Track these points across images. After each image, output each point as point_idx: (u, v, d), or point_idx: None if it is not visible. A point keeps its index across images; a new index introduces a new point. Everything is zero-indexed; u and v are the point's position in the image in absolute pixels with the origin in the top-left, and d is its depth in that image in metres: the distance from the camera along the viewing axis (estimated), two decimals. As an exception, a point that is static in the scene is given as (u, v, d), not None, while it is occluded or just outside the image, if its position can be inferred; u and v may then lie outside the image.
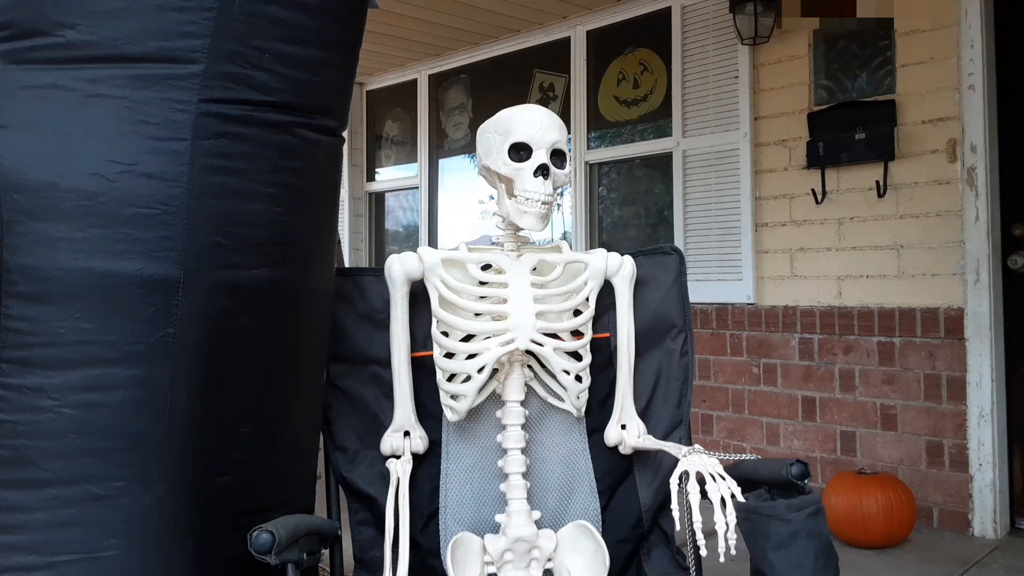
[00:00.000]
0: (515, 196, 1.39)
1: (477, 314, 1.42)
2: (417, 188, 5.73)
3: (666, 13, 4.30)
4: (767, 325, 3.90)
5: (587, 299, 1.48)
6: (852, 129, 3.58)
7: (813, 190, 3.72)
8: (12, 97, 1.19)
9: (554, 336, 1.42)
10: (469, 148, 5.51)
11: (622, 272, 1.52)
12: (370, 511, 1.50)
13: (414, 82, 5.72)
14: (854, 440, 3.62)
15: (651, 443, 1.46)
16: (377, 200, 6.21)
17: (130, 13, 1.19)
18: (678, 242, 4.17)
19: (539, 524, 1.40)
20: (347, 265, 5.27)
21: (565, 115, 4.85)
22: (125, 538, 1.21)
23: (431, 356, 1.47)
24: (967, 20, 3.32)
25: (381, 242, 6.20)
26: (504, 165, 1.40)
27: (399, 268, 1.45)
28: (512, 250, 1.47)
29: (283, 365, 1.36)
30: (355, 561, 1.52)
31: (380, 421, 1.50)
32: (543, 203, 1.38)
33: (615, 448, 1.51)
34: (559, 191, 1.45)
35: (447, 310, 1.42)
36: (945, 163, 3.39)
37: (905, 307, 3.49)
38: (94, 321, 1.18)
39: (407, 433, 1.45)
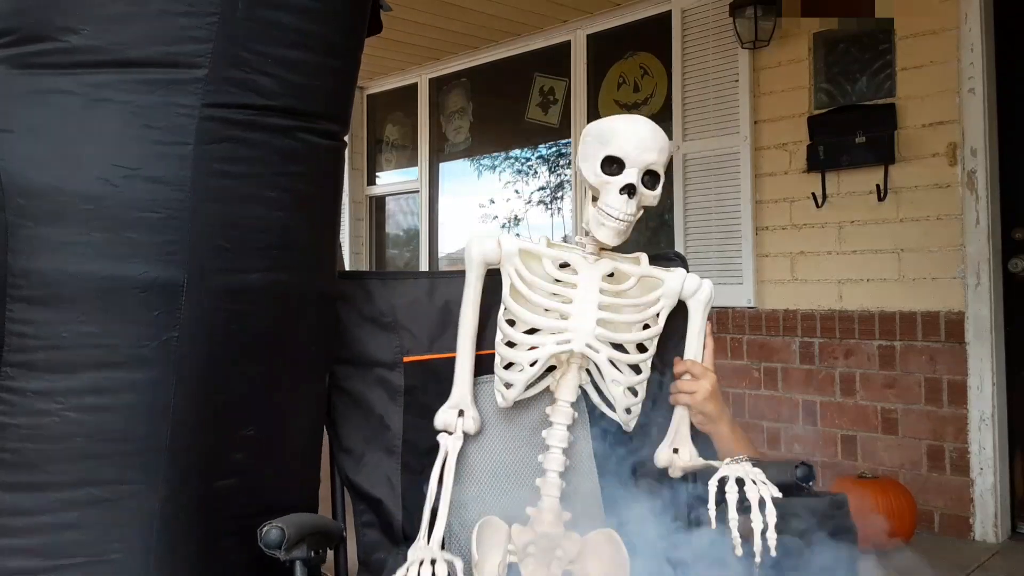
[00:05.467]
0: (598, 207, 1.38)
1: (547, 310, 1.41)
2: (417, 192, 5.74)
3: (666, 17, 4.31)
4: (768, 329, 3.90)
5: (657, 315, 1.46)
6: (852, 133, 3.59)
7: (813, 194, 3.73)
8: (17, 102, 1.20)
9: (618, 347, 1.40)
10: (470, 152, 5.52)
11: (698, 295, 1.48)
12: (375, 513, 1.50)
13: (414, 86, 5.74)
14: (855, 444, 3.62)
15: (700, 463, 1.44)
16: (377, 204, 6.22)
17: (134, 18, 1.19)
18: (678, 245, 4.18)
19: (567, 526, 1.39)
20: (347, 268, 5.27)
21: (565, 119, 4.86)
22: (129, 541, 1.21)
23: (442, 359, 1.47)
24: (967, 23, 3.33)
25: (382, 246, 6.21)
26: (594, 175, 1.39)
27: (478, 250, 1.43)
28: (591, 253, 1.44)
29: (286, 368, 1.36)
30: (359, 563, 1.52)
31: (385, 424, 1.50)
32: (622, 221, 1.36)
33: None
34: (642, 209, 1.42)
35: (516, 300, 1.42)
36: (945, 166, 3.39)
37: (906, 311, 3.49)
38: (98, 324, 1.18)
39: (461, 413, 1.45)
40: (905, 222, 3.50)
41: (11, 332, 1.18)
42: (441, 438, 1.43)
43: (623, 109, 4.57)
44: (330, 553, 1.41)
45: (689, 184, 4.20)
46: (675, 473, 1.46)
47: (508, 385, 1.41)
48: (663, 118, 4.35)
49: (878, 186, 3.53)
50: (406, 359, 1.51)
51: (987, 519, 3.27)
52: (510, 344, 1.42)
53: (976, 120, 3.31)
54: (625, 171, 1.36)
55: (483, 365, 1.47)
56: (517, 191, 5.24)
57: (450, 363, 1.46)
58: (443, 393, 1.46)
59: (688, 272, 1.51)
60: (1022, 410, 3.34)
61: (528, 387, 1.42)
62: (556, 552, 1.35)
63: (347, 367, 1.53)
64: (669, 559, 1.31)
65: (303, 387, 1.42)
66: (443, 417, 1.44)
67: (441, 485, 1.38)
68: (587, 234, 1.44)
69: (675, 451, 1.47)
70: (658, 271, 1.48)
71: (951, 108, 3.37)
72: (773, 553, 1.15)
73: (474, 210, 5.44)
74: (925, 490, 3.40)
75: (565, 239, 4.87)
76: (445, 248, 5.65)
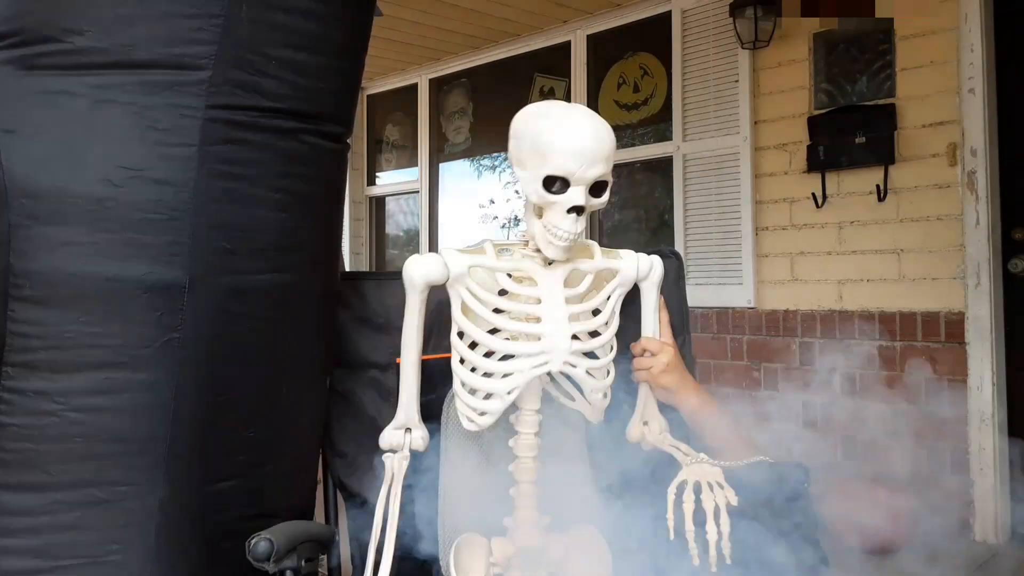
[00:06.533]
0: (543, 225, 1.28)
1: (505, 330, 1.33)
2: (417, 192, 5.74)
3: (666, 17, 4.31)
4: (768, 329, 3.90)
5: (613, 310, 1.40)
6: (852, 133, 3.59)
7: (813, 194, 3.73)
8: (21, 103, 1.20)
9: (588, 355, 1.35)
10: (470, 152, 5.52)
11: (652, 276, 1.46)
12: (369, 516, 1.49)
13: (415, 86, 5.73)
14: (855, 445, 3.62)
15: (669, 442, 1.43)
16: (377, 204, 6.21)
17: (139, 20, 1.19)
18: (678, 246, 4.18)
19: (547, 529, 1.38)
20: (347, 269, 5.27)
21: (565, 119, 4.85)
22: (128, 542, 1.21)
23: (435, 360, 1.45)
24: (967, 24, 3.33)
25: (382, 246, 6.21)
26: (536, 195, 1.27)
27: (420, 272, 1.31)
28: (538, 250, 1.35)
29: (288, 370, 1.36)
30: (353, 566, 1.52)
31: (378, 425, 1.48)
32: (571, 240, 1.28)
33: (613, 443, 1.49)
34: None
35: (472, 320, 1.32)
36: (945, 167, 3.39)
37: (906, 311, 3.49)
38: (100, 325, 1.18)
39: (408, 431, 1.40)
40: (905, 222, 3.50)
41: (13, 332, 1.18)
42: (386, 458, 1.35)
43: (623, 109, 4.57)
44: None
45: (689, 184, 4.20)
46: (647, 447, 1.46)
47: (483, 414, 1.32)
48: (663, 118, 4.35)
49: (878, 186, 3.54)
50: (399, 360, 1.50)
51: (987, 519, 3.27)
52: (464, 362, 1.32)
53: (976, 120, 3.31)
54: (570, 190, 1.24)
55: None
56: (517, 191, 5.24)
57: (444, 363, 1.39)
58: (436, 395, 1.45)
59: (683, 268, 1.50)
60: (1022, 410, 3.34)
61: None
62: (540, 559, 1.34)
63: (340, 368, 1.53)
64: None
65: (304, 388, 1.42)
66: (388, 437, 1.37)
67: (387, 516, 1.28)
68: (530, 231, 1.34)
69: (645, 424, 1.46)
70: (612, 262, 1.43)
71: (951, 108, 3.37)
72: (728, 562, 1.15)
73: (474, 210, 5.44)
74: (925, 490, 3.40)
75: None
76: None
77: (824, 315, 3.73)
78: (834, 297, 3.71)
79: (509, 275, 1.34)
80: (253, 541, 1.20)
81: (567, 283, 1.35)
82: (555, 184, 1.24)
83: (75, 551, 1.19)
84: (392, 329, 1.50)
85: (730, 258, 4.03)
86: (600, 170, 1.25)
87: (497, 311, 1.32)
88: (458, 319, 1.32)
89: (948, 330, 3.37)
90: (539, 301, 1.31)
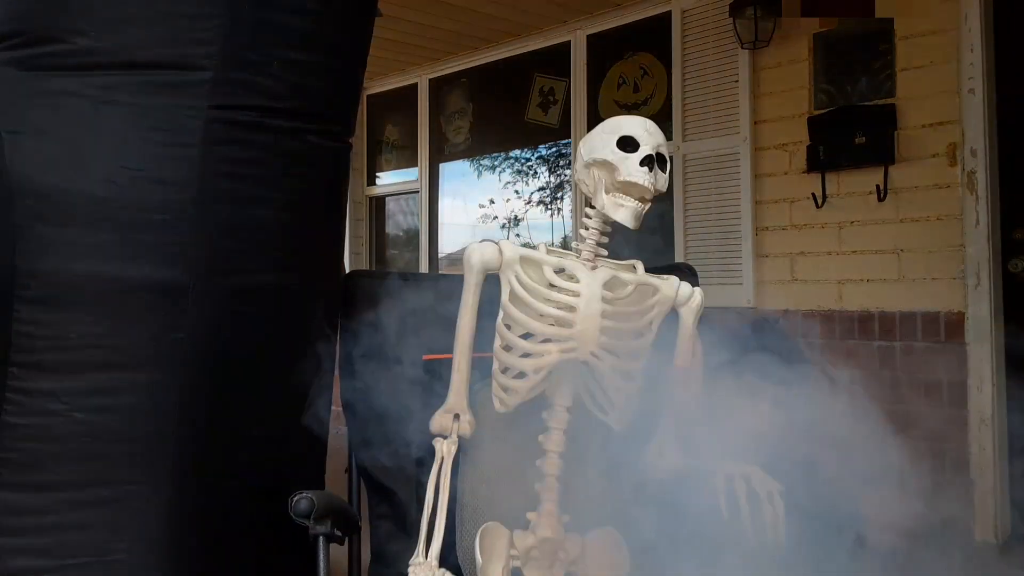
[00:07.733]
0: (615, 188, 1.41)
1: (550, 317, 1.43)
2: (417, 192, 5.74)
3: (666, 17, 4.31)
4: (768, 329, 3.90)
5: (651, 324, 1.48)
6: (852, 133, 3.59)
7: (813, 194, 3.73)
8: (25, 103, 1.20)
9: (615, 354, 1.42)
10: (470, 152, 5.52)
11: (691, 303, 1.54)
12: (390, 504, 1.52)
13: (414, 86, 5.73)
14: (854, 445, 3.62)
15: (689, 463, 1.47)
16: (377, 204, 6.21)
17: (141, 20, 1.20)
18: (678, 246, 4.18)
19: (567, 528, 1.40)
20: (347, 269, 5.26)
21: (565, 119, 4.86)
22: (135, 541, 1.21)
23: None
24: (967, 24, 3.33)
25: (382, 246, 6.21)
26: (611, 152, 1.42)
27: (478, 256, 1.46)
28: (587, 259, 1.47)
29: (291, 368, 1.37)
30: (372, 554, 1.55)
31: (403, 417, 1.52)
32: (645, 197, 1.40)
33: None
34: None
35: (516, 306, 1.43)
36: (945, 167, 3.39)
37: (905, 311, 3.49)
38: (105, 325, 1.19)
39: (457, 417, 1.46)
40: (905, 222, 3.50)
41: (19, 333, 1.19)
42: (436, 443, 1.43)
43: (623, 109, 4.57)
44: (341, 549, 1.42)
45: (689, 184, 4.20)
46: (664, 473, 1.50)
47: (509, 391, 1.41)
48: (663, 118, 4.35)
49: (878, 186, 3.54)
50: (426, 356, 1.53)
51: (987, 520, 3.27)
52: (507, 348, 1.42)
53: (976, 120, 3.31)
54: (641, 148, 1.41)
55: (483, 369, 1.48)
56: (517, 191, 5.24)
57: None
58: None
59: (697, 283, 1.55)
60: (1022, 410, 3.34)
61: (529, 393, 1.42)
62: (558, 555, 1.36)
63: (369, 362, 1.55)
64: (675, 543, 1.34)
65: (309, 387, 1.42)
66: (439, 421, 1.45)
67: (438, 493, 1.37)
68: (593, 240, 1.46)
69: (664, 451, 1.50)
70: (653, 279, 1.51)
71: (951, 108, 3.37)
72: (783, 545, 1.19)
73: (474, 211, 5.45)
74: (925, 491, 3.40)
75: (565, 240, 4.87)
76: (445, 248, 5.65)
77: (824, 315, 3.73)
78: (834, 297, 3.71)
79: (555, 271, 1.45)
80: (295, 499, 1.24)
81: (607, 287, 1.46)
82: (627, 146, 1.42)
83: (82, 550, 1.20)
84: (420, 327, 1.56)
85: (730, 258, 4.03)
86: (661, 140, 1.45)
87: (539, 299, 1.43)
88: (504, 304, 1.43)
89: (948, 330, 3.37)
90: (578, 295, 1.42)
